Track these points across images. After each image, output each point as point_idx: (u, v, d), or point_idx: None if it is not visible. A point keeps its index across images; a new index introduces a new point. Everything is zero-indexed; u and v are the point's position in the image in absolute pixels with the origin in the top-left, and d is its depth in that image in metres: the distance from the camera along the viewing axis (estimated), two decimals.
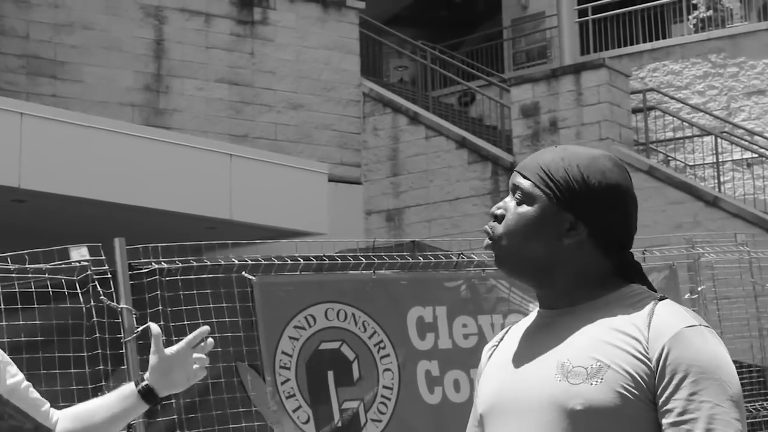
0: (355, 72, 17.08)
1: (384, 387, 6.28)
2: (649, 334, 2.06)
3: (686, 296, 7.81)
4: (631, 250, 2.23)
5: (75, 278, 5.42)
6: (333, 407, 6.08)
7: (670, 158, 17.72)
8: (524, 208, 2.18)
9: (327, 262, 6.42)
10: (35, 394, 2.79)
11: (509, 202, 2.21)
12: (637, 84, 18.15)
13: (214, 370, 5.75)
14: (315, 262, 6.36)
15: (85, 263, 5.46)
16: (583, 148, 2.24)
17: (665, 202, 14.53)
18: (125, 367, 5.41)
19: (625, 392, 2.02)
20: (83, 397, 5.35)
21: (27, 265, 5.28)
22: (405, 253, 6.84)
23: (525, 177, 2.20)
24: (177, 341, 5.62)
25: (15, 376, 2.76)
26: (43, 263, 5.38)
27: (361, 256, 6.51)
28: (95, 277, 5.45)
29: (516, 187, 2.21)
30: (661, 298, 2.14)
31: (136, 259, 5.69)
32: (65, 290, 5.38)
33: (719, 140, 17.05)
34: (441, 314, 6.58)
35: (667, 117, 17.76)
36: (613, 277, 2.19)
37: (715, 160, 17.04)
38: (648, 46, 19.35)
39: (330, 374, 6.13)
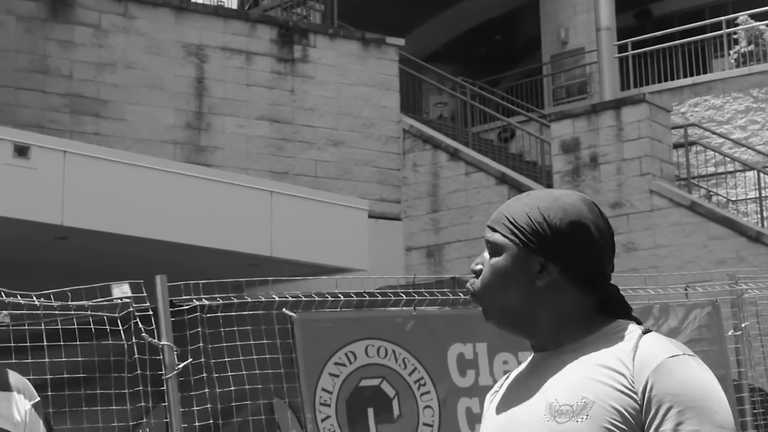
0: (394, 108, 17.14)
1: (424, 424, 6.25)
2: (633, 367, 2.06)
3: (729, 333, 7.73)
4: (615, 284, 2.26)
5: (117, 315, 5.44)
6: None
7: (712, 193, 17.59)
8: (495, 260, 2.23)
9: (367, 298, 6.41)
10: None
11: (485, 256, 2.28)
12: (678, 119, 18.07)
13: (254, 407, 5.75)
14: (355, 298, 6.35)
15: (127, 300, 5.49)
16: (548, 190, 2.29)
17: (707, 237, 14.42)
18: (166, 404, 5.43)
19: (612, 427, 2.03)
20: None
21: (69, 302, 5.32)
22: (445, 290, 6.82)
23: (494, 230, 2.26)
24: (218, 378, 5.65)
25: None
26: (85, 300, 5.41)
27: (402, 292, 6.50)
28: (137, 313, 5.47)
29: (487, 242, 2.27)
30: (646, 331, 2.15)
31: (177, 296, 5.70)
32: (107, 327, 5.41)
33: (762, 175, 16.92)
34: (481, 351, 6.55)
35: (708, 152, 17.66)
36: (597, 314, 2.21)
37: (757, 195, 16.91)
38: (689, 80, 19.28)
39: (370, 411, 6.11)
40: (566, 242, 2.17)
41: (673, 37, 20.43)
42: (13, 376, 3.00)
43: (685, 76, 19.62)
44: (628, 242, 14.71)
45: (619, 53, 19.81)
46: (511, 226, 2.21)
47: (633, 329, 2.16)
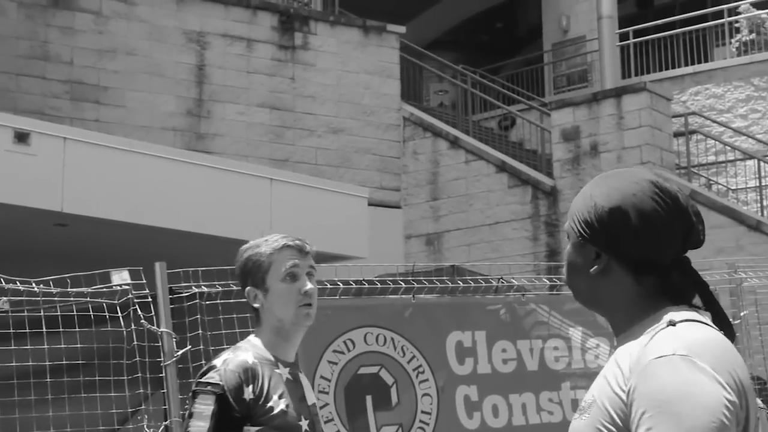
0: (395, 96, 17.12)
1: (422, 412, 6.26)
2: (631, 366, 2.00)
3: None
4: (688, 268, 2.17)
5: (116, 302, 5.45)
6: None
7: (712, 182, 17.58)
8: (567, 248, 2.25)
9: (366, 286, 6.42)
10: None
11: None
12: (679, 108, 18.05)
13: None
14: (354, 286, 6.36)
15: (126, 287, 5.49)
16: (610, 173, 2.24)
17: (707, 226, 14.21)
18: (164, 390, 5.43)
19: (603, 428, 1.99)
20: (123, 420, 5.38)
21: (69, 289, 5.32)
22: (444, 278, 6.83)
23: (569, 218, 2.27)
24: None
25: None
26: (84, 287, 5.42)
27: (401, 280, 6.51)
28: (136, 300, 5.48)
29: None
30: (672, 323, 2.04)
31: (176, 283, 5.71)
32: (106, 314, 5.42)
33: (762, 164, 16.91)
34: (480, 339, 6.56)
35: (709, 141, 17.64)
36: (653, 301, 2.11)
37: (758, 184, 16.90)
38: (690, 69, 19.24)
39: (368, 399, 6.12)
40: (608, 230, 2.13)
41: (674, 26, 20.39)
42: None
43: (686, 65, 19.58)
44: None
45: (620, 41, 19.78)
46: (573, 216, 2.21)
47: (665, 320, 2.06)
